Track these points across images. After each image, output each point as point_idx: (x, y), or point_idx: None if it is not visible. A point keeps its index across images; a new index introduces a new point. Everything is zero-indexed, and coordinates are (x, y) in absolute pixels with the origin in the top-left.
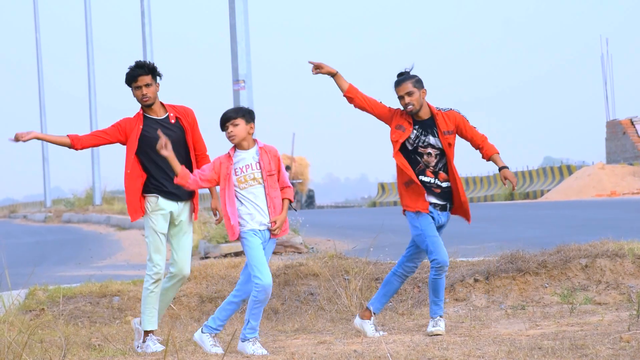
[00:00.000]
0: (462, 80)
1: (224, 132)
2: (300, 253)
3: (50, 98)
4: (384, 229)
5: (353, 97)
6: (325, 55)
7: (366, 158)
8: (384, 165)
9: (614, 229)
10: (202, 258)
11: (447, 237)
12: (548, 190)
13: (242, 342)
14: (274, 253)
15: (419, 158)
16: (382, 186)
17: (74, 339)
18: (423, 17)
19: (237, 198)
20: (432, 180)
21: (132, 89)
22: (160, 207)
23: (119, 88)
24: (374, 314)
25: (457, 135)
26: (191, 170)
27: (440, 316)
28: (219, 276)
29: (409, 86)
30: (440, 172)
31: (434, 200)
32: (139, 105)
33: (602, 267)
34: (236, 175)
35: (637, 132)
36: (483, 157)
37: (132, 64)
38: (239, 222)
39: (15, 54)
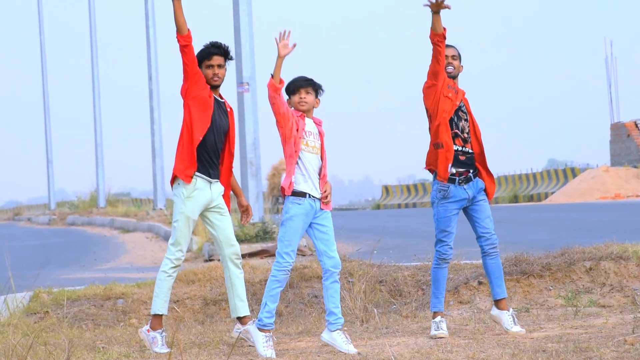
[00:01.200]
0: (465, 80)
1: (292, 97)
2: (304, 255)
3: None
4: (388, 232)
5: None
6: (330, 55)
7: (370, 160)
8: (388, 167)
9: (618, 232)
10: (206, 260)
11: (454, 240)
12: (552, 193)
13: (256, 327)
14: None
15: (455, 122)
16: (386, 188)
17: (78, 341)
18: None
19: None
20: (460, 149)
21: (201, 67)
22: (197, 190)
23: (124, 91)
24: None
25: None
26: (227, 166)
27: (441, 314)
28: (223, 279)
29: (455, 51)
30: (469, 141)
31: (463, 195)
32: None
33: (606, 270)
34: (305, 135)
35: None
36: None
37: (208, 42)
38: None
39: (19, 54)
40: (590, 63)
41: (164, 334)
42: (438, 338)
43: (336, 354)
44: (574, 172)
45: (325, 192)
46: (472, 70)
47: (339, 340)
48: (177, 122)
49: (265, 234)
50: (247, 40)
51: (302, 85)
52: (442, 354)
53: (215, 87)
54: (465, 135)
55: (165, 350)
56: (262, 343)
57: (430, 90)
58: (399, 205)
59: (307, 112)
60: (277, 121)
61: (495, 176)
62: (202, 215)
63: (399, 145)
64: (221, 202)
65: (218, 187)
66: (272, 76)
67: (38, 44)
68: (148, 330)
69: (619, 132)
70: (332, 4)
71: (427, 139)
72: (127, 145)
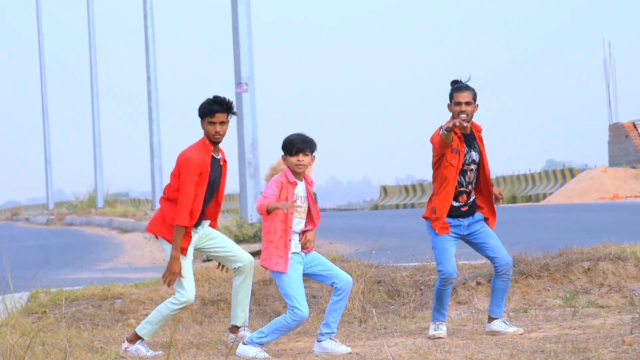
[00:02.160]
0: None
1: (289, 157)
2: None
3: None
4: (386, 232)
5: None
6: (329, 55)
7: (369, 161)
8: (386, 168)
9: (617, 232)
10: (204, 261)
11: None
12: (550, 194)
13: (245, 345)
14: None
15: (461, 177)
16: (385, 189)
17: (76, 341)
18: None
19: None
20: (463, 204)
21: (203, 122)
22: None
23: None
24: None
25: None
26: (212, 209)
27: (442, 321)
28: (221, 279)
29: (470, 96)
30: (473, 189)
31: (457, 224)
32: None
33: (604, 270)
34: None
35: (639, 135)
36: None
37: (210, 97)
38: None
39: (17, 55)
40: (589, 64)
41: (143, 341)
42: (437, 338)
43: (333, 355)
44: (572, 173)
45: (307, 239)
46: (472, 72)
47: (331, 346)
48: (175, 122)
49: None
50: (246, 41)
51: (301, 148)
52: (441, 354)
53: (217, 143)
54: (471, 187)
55: (152, 353)
56: (256, 352)
57: (435, 152)
58: (397, 206)
59: (300, 174)
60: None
61: (493, 177)
62: (198, 250)
63: (398, 146)
64: (208, 230)
65: (204, 225)
66: (260, 207)
67: (36, 45)
68: (125, 349)
69: (618, 133)
70: (332, 4)
71: (425, 139)
72: (125, 145)
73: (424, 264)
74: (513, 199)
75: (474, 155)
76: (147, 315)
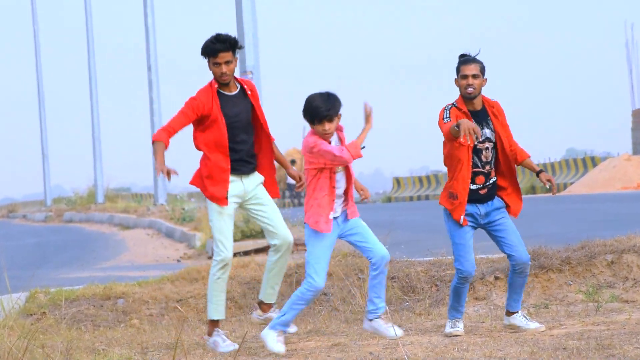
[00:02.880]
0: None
1: (315, 126)
2: None
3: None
4: (400, 225)
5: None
6: (338, 44)
7: (380, 152)
8: (398, 159)
9: None
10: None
11: None
12: (571, 183)
13: (269, 330)
14: None
15: (476, 157)
16: (397, 181)
17: (77, 343)
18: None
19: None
20: (481, 186)
21: (208, 63)
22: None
23: (122, 82)
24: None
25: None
26: (265, 151)
27: (459, 319)
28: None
29: (477, 68)
30: (492, 169)
31: (473, 210)
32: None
33: (629, 263)
34: None
35: None
36: (516, 161)
37: (213, 35)
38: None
39: (12, 46)
40: (610, 48)
41: (219, 332)
42: (454, 336)
43: (347, 353)
44: (594, 162)
45: (361, 188)
46: (492, 59)
47: (380, 327)
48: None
49: None
50: (251, 28)
51: (324, 116)
52: (458, 352)
53: (226, 84)
54: (489, 168)
55: (230, 347)
56: (274, 338)
57: (445, 139)
58: (411, 198)
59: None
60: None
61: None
62: (243, 208)
63: (411, 136)
64: (258, 192)
65: (253, 179)
66: (353, 150)
67: (32, 36)
68: (205, 339)
69: None
70: None
71: (438, 130)
72: (126, 138)
73: (440, 259)
74: (532, 190)
75: (487, 133)
76: (150, 315)
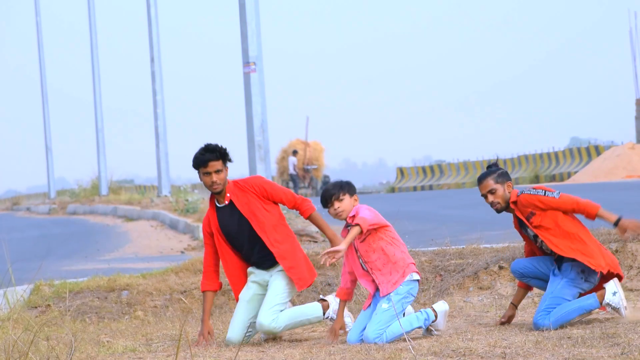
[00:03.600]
0: (485, 59)
1: (328, 209)
2: (316, 242)
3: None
4: (403, 216)
5: None
6: (341, 34)
7: (384, 142)
8: (402, 149)
9: None
10: None
11: (471, 222)
12: (575, 172)
13: None
14: None
15: (543, 249)
16: (401, 171)
17: (82, 335)
18: None
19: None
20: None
21: (199, 173)
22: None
23: (125, 74)
24: None
25: (552, 210)
26: (278, 246)
27: None
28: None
29: (490, 183)
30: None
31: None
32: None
33: (633, 252)
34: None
35: None
36: (588, 218)
37: (202, 146)
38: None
39: (14, 36)
40: (614, 36)
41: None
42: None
43: (351, 344)
44: (598, 150)
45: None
46: (493, 48)
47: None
48: (181, 105)
49: None
50: (253, 18)
51: (331, 194)
52: (462, 342)
53: (218, 193)
54: (545, 248)
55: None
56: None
57: None
58: (415, 188)
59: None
60: None
61: (515, 156)
62: None
63: (414, 126)
64: (273, 277)
65: (274, 269)
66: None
67: (34, 28)
68: None
69: None
70: None
71: (443, 119)
72: (129, 130)
73: (444, 249)
74: (536, 179)
75: (530, 232)
76: (154, 307)
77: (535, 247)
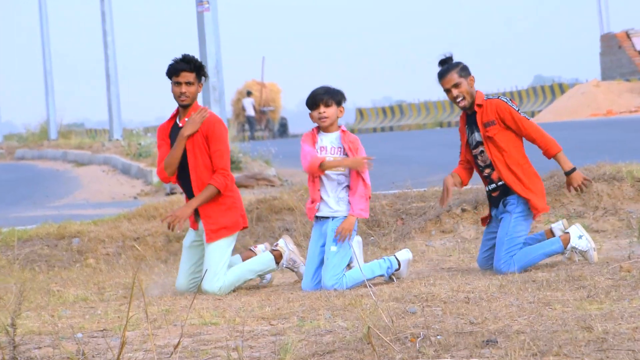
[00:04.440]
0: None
1: (312, 112)
2: (273, 186)
3: None
4: None
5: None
6: None
7: (343, 82)
8: (362, 89)
9: (611, 151)
10: (167, 194)
11: (433, 164)
12: (539, 111)
13: None
14: (245, 187)
15: (477, 161)
16: (361, 112)
17: (31, 285)
18: None
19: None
20: (490, 189)
21: (171, 83)
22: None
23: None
24: None
25: (508, 127)
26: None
27: None
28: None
29: (454, 77)
30: (493, 171)
31: (493, 213)
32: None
33: (599, 192)
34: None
35: (633, 46)
36: (544, 155)
37: (178, 56)
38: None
39: None
40: None
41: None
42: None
43: (310, 290)
44: (562, 89)
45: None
46: None
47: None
48: (133, 46)
49: (231, 164)
50: None
51: (321, 98)
52: (425, 287)
53: (185, 107)
54: (488, 171)
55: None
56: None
57: None
58: (375, 129)
59: (329, 127)
60: None
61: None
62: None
63: (373, 65)
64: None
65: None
66: (311, 161)
67: None
68: None
69: (610, 44)
70: None
71: (406, 60)
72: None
73: (405, 191)
74: None
75: (477, 137)
76: (107, 254)
77: (470, 157)
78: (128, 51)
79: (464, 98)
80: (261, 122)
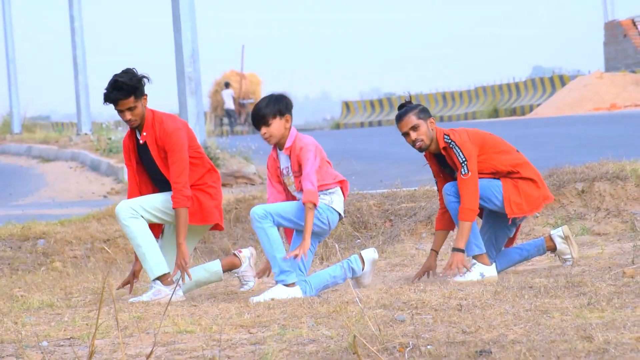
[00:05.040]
0: None
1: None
2: (253, 184)
3: None
4: (350, 155)
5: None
6: None
7: (328, 73)
8: (348, 81)
9: (615, 148)
10: None
11: (424, 161)
12: (538, 105)
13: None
14: (223, 185)
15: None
16: (347, 105)
17: None
18: None
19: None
20: None
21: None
22: None
23: (39, 1)
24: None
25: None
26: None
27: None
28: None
29: (412, 119)
30: None
31: None
32: None
33: (601, 192)
34: (283, 177)
35: (639, 34)
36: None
37: (111, 80)
38: None
39: None
40: None
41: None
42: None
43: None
44: (563, 81)
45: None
46: None
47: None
48: (102, 32)
49: None
50: None
51: (259, 119)
52: (415, 294)
53: (137, 128)
54: None
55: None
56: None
57: None
58: (362, 124)
59: (279, 142)
60: None
61: (472, 88)
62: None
63: (361, 55)
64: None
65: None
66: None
67: None
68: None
69: (614, 32)
70: None
71: (396, 50)
72: (44, 60)
73: (394, 191)
74: (495, 113)
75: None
76: (74, 257)
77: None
78: (98, 37)
79: (422, 140)
80: (240, 115)
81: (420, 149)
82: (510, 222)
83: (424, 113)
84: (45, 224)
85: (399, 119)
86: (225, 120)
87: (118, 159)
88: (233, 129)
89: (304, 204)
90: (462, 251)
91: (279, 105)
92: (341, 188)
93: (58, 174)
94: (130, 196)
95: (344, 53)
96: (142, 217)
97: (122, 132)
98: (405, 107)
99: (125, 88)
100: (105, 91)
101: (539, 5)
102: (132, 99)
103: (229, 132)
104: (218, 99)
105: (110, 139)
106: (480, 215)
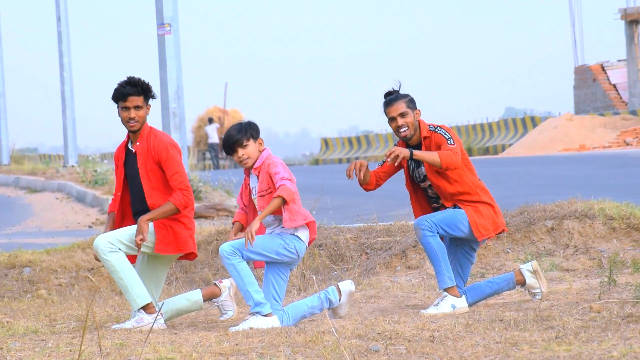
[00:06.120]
0: (414, 21)
1: (233, 157)
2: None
3: None
4: (328, 190)
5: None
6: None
7: (308, 111)
8: (327, 118)
9: (583, 187)
10: None
11: (400, 197)
12: (510, 145)
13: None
14: (205, 217)
15: (427, 194)
16: (326, 142)
17: None
18: None
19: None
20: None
21: (118, 107)
22: None
23: (29, 35)
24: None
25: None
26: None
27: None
28: None
29: (402, 106)
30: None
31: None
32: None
33: (569, 230)
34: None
35: (608, 79)
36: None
37: (124, 79)
38: None
39: None
40: (552, 1)
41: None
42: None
43: (273, 327)
44: (534, 122)
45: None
46: (421, 12)
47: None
48: (89, 69)
49: None
50: None
51: (235, 141)
52: (389, 325)
53: (134, 132)
54: (436, 205)
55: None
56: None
57: None
58: (340, 160)
59: (253, 164)
60: None
61: (453, 125)
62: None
63: (340, 94)
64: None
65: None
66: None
67: None
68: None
69: (584, 77)
70: None
71: (373, 90)
72: (33, 94)
73: (370, 225)
74: (469, 152)
75: (424, 170)
76: (59, 285)
77: (417, 190)
78: (85, 75)
79: (407, 128)
80: (223, 150)
81: (405, 138)
82: (471, 248)
83: (412, 103)
84: (31, 253)
85: (389, 103)
86: (208, 154)
87: (103, 191)
88: (218, 163)
89: (275, 197)
90: (412, 153)
91: (251, 129)
92: (308, 226)
93: (45, 205)
94: (113, 203)
95: (323, 91)
96: (120, 250)
97: (108, 164)
98: (396, 94)
99: (139, 85)
100: (117, 86)
101: (512, 49)
102: (142, 98)
103: (213, 165)
104: (201, 134)
105: (96, 171)
106: None
